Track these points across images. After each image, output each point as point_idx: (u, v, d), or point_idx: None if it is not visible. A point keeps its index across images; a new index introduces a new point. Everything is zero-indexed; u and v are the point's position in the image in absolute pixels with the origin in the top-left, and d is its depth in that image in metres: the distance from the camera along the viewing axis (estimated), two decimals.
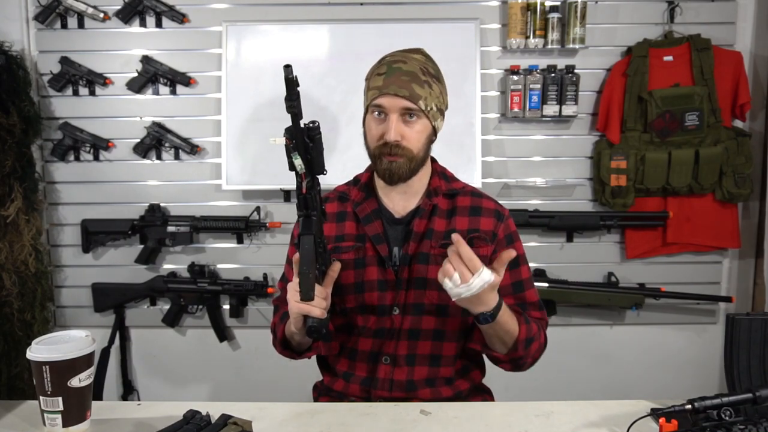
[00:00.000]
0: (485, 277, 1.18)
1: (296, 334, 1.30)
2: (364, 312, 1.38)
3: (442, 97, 1.37)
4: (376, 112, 1.33)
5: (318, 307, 1.21)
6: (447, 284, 1.19)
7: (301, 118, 1.10)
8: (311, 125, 1.12)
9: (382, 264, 1.37)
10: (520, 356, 1.34)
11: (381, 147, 1.32)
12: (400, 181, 1.35)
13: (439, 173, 1.44)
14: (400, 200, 1.40)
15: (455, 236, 1.19)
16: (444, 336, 1.37)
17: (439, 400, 1.36)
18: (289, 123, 1.09)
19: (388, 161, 1.32)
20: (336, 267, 1.28)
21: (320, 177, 1.18)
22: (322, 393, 1.48)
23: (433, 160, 1.46)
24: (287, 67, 1.05)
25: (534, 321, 1.37)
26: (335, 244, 1.39)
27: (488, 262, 1.36)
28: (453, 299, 1.21)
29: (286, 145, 1.11)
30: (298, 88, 1.07)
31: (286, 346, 1.41)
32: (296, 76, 1.06)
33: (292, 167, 1.13)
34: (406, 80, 1.30)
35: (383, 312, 1.36)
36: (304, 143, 1.11)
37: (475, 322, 1.28)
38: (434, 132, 1.38)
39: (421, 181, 1.40)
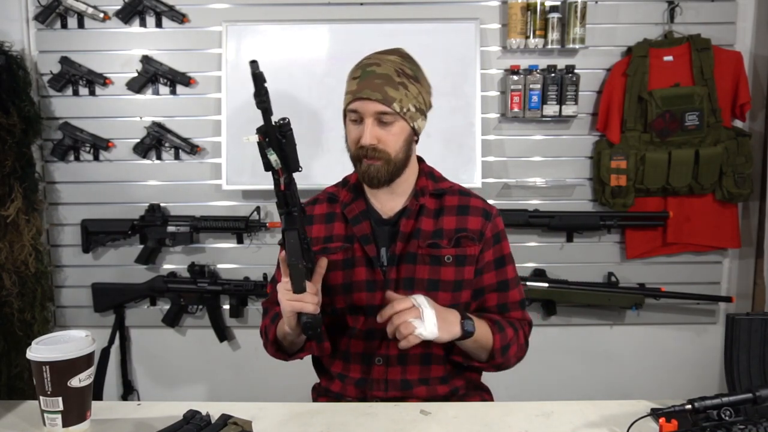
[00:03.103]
0: (421, 300, 1.22)
1: (290, 334, 1.30)
2: (354, 313, 1.38)
3: (421, 97, 1.36)
4: (352, 117, 1.33)
5: (310, 302, 1.21)
6: (421, 333, 1.20)
7: (272, 114, 1.10)
8: (282, 122, 1.13)
9: (370, 264, 1.37)
10: (499, 363, 1.37)
11: (358, 150, 1.33)
12: (380, 185, 1.35)
13: (427, 173, 1.44)
14: (388, 201, 1.41)
15: (388, 293, 1.26)
16: None
17: (435, 398, 1.37)
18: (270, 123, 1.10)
19: (367, 164, 1.32)
20: (323, 263, 1.27)
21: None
22: (320, 394, 1.48)
23: (421, 160, 1.46)
24: (253, 63, 1.07)
25: (509, 324, 1.37)
26: (324, 245, 1.39)
27: (475, 261, 1.39)
28: (435, 340, 1.23)
29: (259, 143, 1.12)
30: (266, 84, 1.07)
31: (279, 348, 1.40)
32: (262, 72, 1.06)
33: (267, 167, 1.14)
34: (379, 83, 1.30)
35: (372, 312, 1.35)
36: (278, 140, 1.12)
37: (460, 343, 1.30)
38: (414, 133, 1.37)
39: (408, 181, 1.40)
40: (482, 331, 1.31)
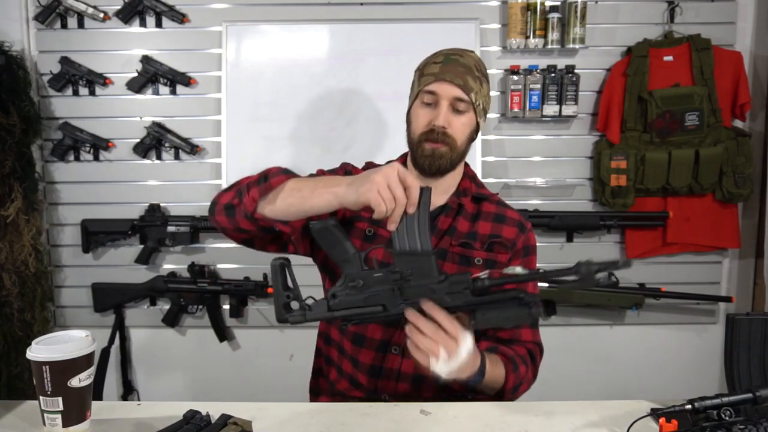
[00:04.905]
0: (469, 343, 1.10)
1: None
2: None
3: (488, 98, 1.41)
4: (427, 99, 1.35)
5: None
6: (435, 364, 1.09)
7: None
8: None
9: None
10: (508, 399, 1.33)
11: (426, 133, 1.34)
12: (439, 171, 1.36)
13: (470, 177, 1.47)
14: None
15: (426, 304, 1.10)
16: None
17: (445, 393, 1.36)
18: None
19: (431, 148, 1.34)
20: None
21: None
22: (323, 392, 1.47)
23: (466, 164, 1.48)
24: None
25: (522, 361, 1.33)
26: (370, 225, 1.39)
27: (504, 267, 1.37)
28: (443, 377, 1.12)
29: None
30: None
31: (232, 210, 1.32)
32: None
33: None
34: (461, 71, 1.33)
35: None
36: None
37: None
38: (476, 130, 1.40)
39: (454, 179, 1.42)
40: (495, 373, 1.26)
